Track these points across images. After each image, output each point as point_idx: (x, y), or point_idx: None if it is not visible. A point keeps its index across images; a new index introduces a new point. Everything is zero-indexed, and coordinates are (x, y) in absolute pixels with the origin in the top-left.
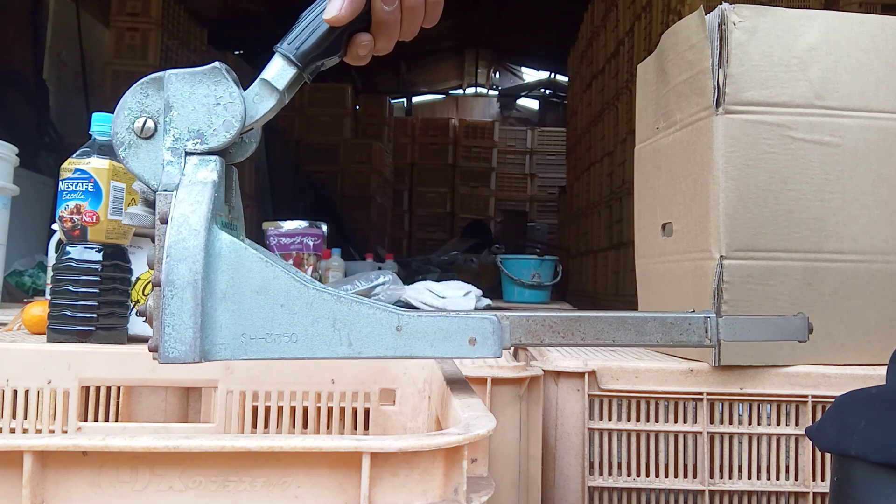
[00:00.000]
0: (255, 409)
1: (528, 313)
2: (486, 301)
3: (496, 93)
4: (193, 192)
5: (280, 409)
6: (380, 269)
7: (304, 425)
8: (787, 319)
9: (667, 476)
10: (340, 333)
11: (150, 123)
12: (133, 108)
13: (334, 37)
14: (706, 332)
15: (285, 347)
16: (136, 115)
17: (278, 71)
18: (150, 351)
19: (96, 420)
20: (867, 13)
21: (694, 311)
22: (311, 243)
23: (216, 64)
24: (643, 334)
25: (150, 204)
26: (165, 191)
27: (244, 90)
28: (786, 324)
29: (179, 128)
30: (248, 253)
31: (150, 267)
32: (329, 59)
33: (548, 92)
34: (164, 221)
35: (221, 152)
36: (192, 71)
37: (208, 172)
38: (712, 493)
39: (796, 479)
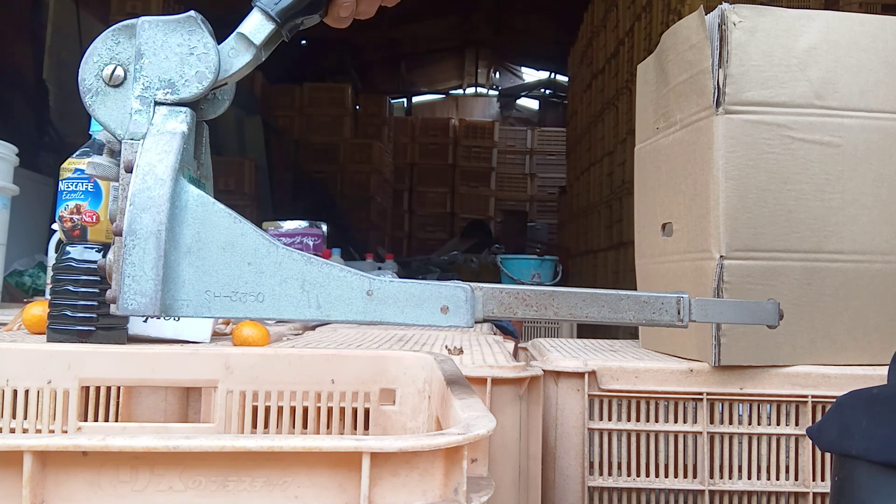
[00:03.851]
0: (255, 409)
1: (502, 286)
2: None
3: (496, 93)
4: (161, 141)
5: (280, 409)
6: (380, 269)
7: (304, 425)
8: (759, 304)
9: (667, 476)
10: (309, 295)
11: (119, 71)
12: (102, 55)
13: None
14: (679, 311)
15: (251, 307)
16: (105, 62)
17: (256, 26)
18: (108, 302)
19: (96, 420)
20: (867, 13)
21: (667, 292)
22: (311, 243)
23: (191, 13)
24: (617, 312)
25: (116, 154)
26: (132, 139)
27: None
28: (757, 308)
29: (150, 76)
30: (216, 207)
31: (112, 219)
32: (309, 18)
33: (548, 92)
34: (129, 170)
35: (192, 104)
36: (166, 19)
37: (178, 123)
38: (712, 493)
39: (796, 479)
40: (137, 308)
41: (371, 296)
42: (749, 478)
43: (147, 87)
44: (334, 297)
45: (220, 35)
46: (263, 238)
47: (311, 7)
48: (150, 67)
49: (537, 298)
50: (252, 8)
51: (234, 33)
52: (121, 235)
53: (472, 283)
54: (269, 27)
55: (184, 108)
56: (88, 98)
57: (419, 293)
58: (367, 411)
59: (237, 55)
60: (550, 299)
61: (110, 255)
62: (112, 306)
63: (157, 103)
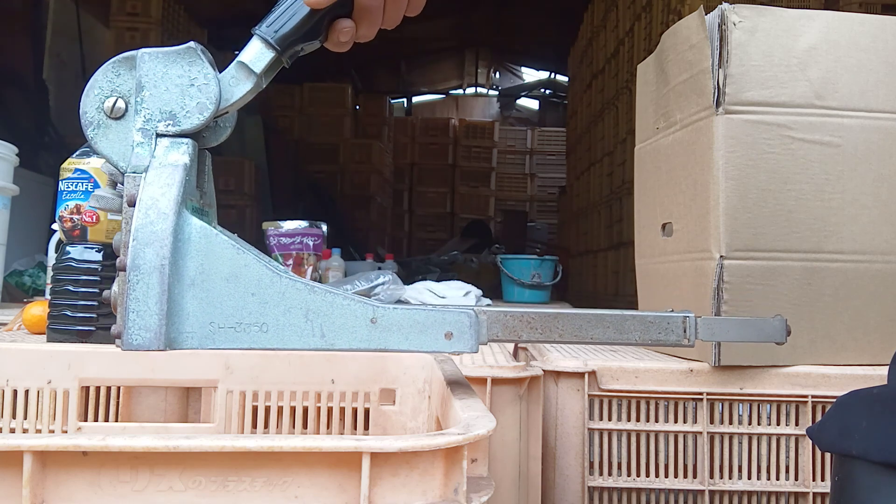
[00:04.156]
0: (255, 409)
1: (506, 308)
2: (487, 301)
3: (496, 93)
4: (164, 174)
5: (280, 409)
6: (380, 269)
7: (304, 425)
8: (766, 321)
9: (667, 476)
10: (313, 324)
11: (120, 103)
12: (103, 88)
13: (315, 21)
14: (685, 331)
15: (255, 337)
16: (106, 95)
17: (256, 54)
18: (113, 337)
19: (96, 420)
20: (867, 13)
21: (673, 311)
22: (311, 243)
23: (191, 44)
24: (622, 332)
25: (118, 186)
26: (134, 173)
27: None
28: (764, 325)
29: (151, 108)
30: (219, 239)
31: (116, 252)
32: (309, 45)
33: (548, 92)
34: (132, 204)
35: (194, 135)
36: (166, 50)
37: (180, 155)
38: (712, 493)
39: (796, 479)
40: (142, 343)
41: (375, 323)
42: (749, 478)
43: (148, 120)
44: (338, 326)
45: (220, 35)
46: (267, 268)
47: (310, 34)
48: (151, 99)
49: (542, 321)
50: (252, 36)
51: (235, 62)
52: (124, 270)
53: (476, 308)
54: (269, 55)
55: (186, 140)
56: (90, 131)
57: (423, 319)
58: (367, 411)
59: (238, 84)
60: (555, 321)
61: (115, 288)
62: (117, 341)
63: (158, 135)
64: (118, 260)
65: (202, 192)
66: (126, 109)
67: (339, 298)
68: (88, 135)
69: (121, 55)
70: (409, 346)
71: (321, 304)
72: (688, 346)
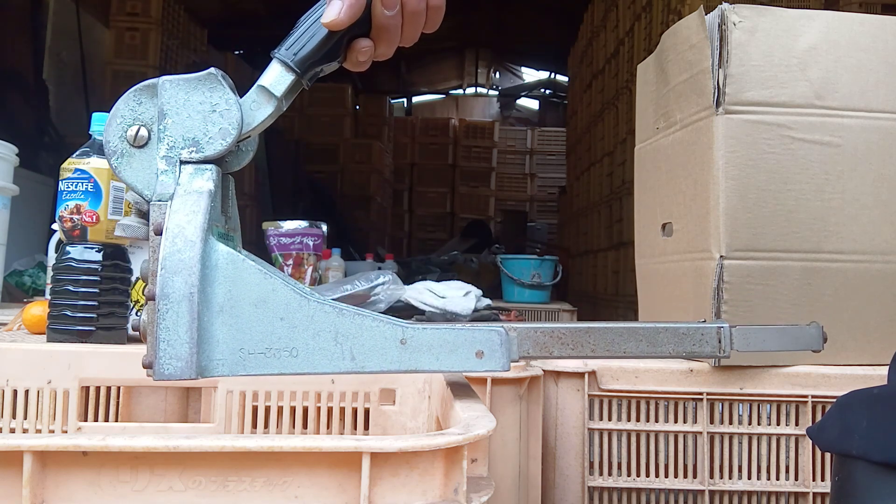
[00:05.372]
0: (255, 409)
1: (536, 325)
2: (487, 301)
3: (496, 93)
4: (189, 201)
5: (280, 409)
6: (380, 269)
7: (304, 425)
8: (802, 329)
9: (667, 476)
10: (343, 347)
11: (143, 132)
12: (126, 116)
13: (333, 42)
14: (719, 342)
15: (285, 362)
16: (128, 124)
17: (276, 77)
18: (144, 367)
19: (96, 420)
20: (867, 13)
21: (705, 321)
22: (311, 243)
23: (212, 70)
24: (655, 345)
25: (144, 214)
26: (160, 201)
27: (242, 95)
28: (800, 333)
29: (174, 136)
30: (246, 264)
31: (144, 280)
32: (328, 65)
33: (548, 92)
34: (159, 233)
35: (217, 161)
36: (187, 77)
37: (204, 182)
38: (712, 493)
39: (796, 479)
40: (174, 373)
41: (405, 344)
42: (749, 478)
43: (172, 147)
44: (368, 348)
45: (220, 35)
46: (295, 292)
47: (329, 55)
48: (173, 127)
49: (573, 336)
50: (271, 59)
51: (255, 86)
52: (154, 299)
53: (505, 325)
54: (289, 78)
55: (209, 166)
56: (114, 160)
57: (453, 339)
58: (367, 411)
59: (259, 108)
60: (587, 336)
61: (144, 317)
62: (147, 371)
63: (182, 162)
64: (146, 289)
65: (227, 217)
66: (149, 137)
67: (368, 320)
68: (112, 164)
69: (141, 83)
70: (440, 366)
71: (350, 326)
72: (723, 357)
